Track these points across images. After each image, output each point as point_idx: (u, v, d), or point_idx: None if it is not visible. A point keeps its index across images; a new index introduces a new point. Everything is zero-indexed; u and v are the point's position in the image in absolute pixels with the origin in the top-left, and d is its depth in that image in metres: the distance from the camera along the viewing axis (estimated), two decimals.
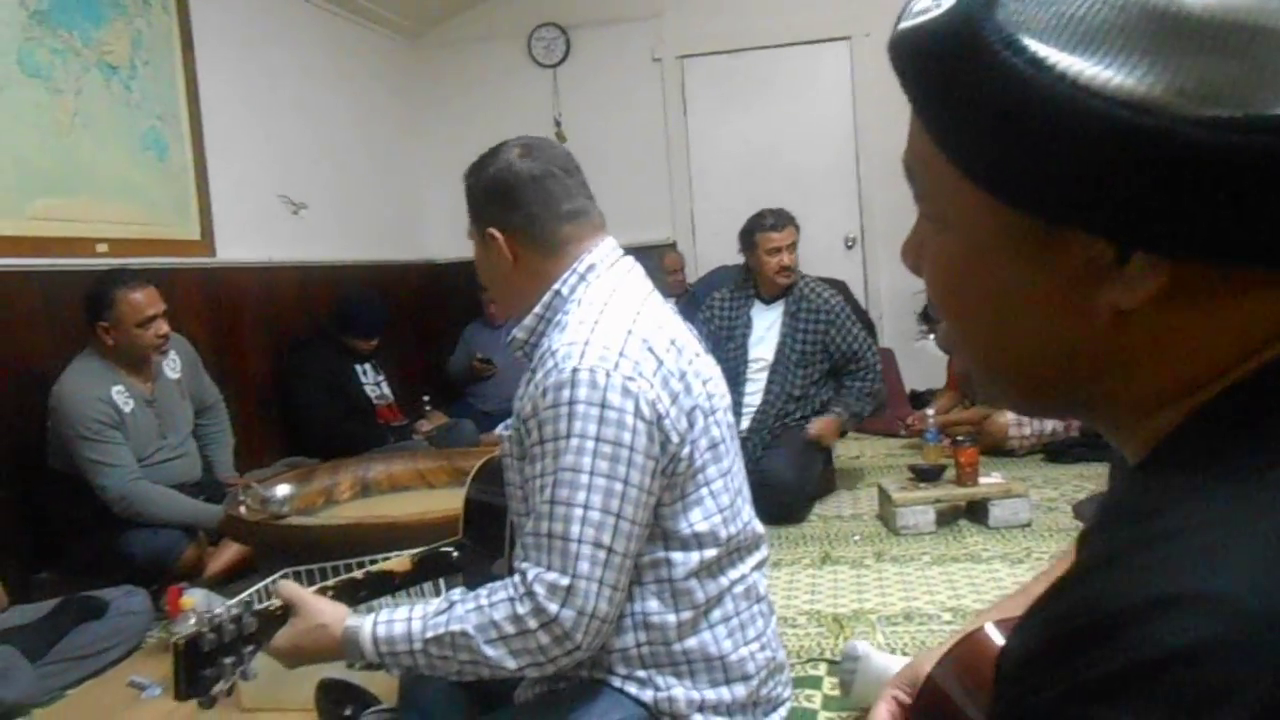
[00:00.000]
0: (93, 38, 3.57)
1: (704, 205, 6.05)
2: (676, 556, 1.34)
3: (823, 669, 2.26)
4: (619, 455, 1.24)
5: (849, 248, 5.90)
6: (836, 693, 2.13)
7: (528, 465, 1.31)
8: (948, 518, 3.37)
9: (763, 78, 5.92)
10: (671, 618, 1.34)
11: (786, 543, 3.25)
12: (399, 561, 1.44)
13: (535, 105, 5.98)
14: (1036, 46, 0.43)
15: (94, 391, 2.95)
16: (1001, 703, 0.43)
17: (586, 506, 1.23)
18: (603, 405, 1.24)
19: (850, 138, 5.86)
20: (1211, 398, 0.47)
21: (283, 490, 2.68)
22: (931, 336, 4.86)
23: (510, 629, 1.23)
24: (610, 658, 1.35)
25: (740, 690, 1.38)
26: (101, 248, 3.53)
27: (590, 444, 1.24)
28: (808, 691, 2.13)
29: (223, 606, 1.31)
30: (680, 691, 1.35)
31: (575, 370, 1.26)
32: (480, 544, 1.50)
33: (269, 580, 1.88)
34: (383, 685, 2.03)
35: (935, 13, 0.47)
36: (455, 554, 1.48)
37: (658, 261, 5.13)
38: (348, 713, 1.99)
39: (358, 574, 1.40)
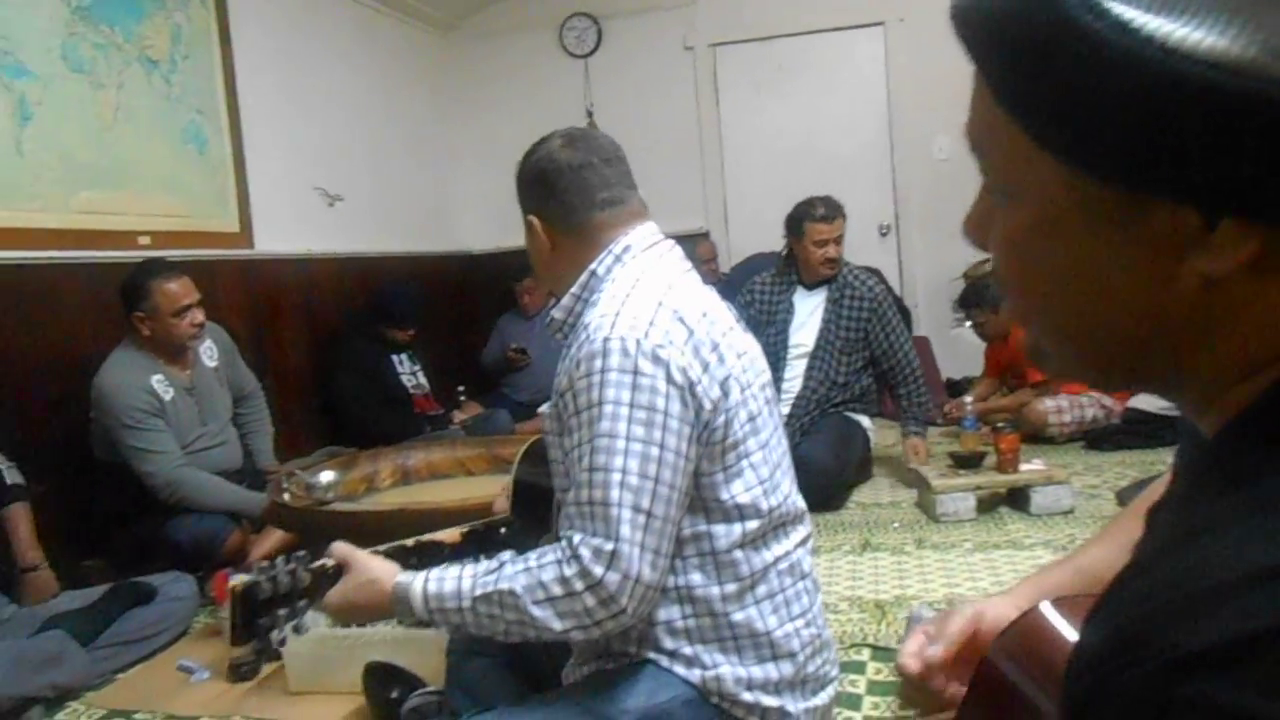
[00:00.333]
0: (134, 32, 3.61)
1: (736, 194, 6.03)
2: (719, 529, 1.35)
3: (866, 654, 2.25)
4: (653, 420, 1.26)
5: (883, 235, 5.86)
6: (881, 677, 2.13)
7: (566, 437, 1.33)
8: (988, 505, 3.34)
9: (796, 65, 5.89)
10: (716, 590, 1.35)
11: (826, 529, 3.23)
12: (449, 534, 1.47)
13: (567, 96, 5.99)
14: (1121, 9, 0.42)
15: (135, 381, 2.99)
16: (1090, 681, 0.42)
17: (624, 471, 1.25)
18: (635, 372, 1.27)
19: (884, 124, 5.82)
20: None
21: (327, 477, 2.71)
22: (968, 324, 4.81)
23: (557, 590, 1.24)
24: (656, 631, 1.36)
25: (787, 668, 1.39)
26: (144, 240, 3.58)
27: (625, 410, 1.26)
28: (852, 676, 2.11)
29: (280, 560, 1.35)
30: (727, 670, 1.36)
31: (606, 340, 1.29)
32: (529, 523, 1.51)
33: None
34: (428, 668, 2.05)
35: None
36: (504, 531, 1.49)
37: (691, 251, 5.08)
38: (394, 695, 2.01)
39: (408, 541, 1.42)
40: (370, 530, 2.39)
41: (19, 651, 2.27)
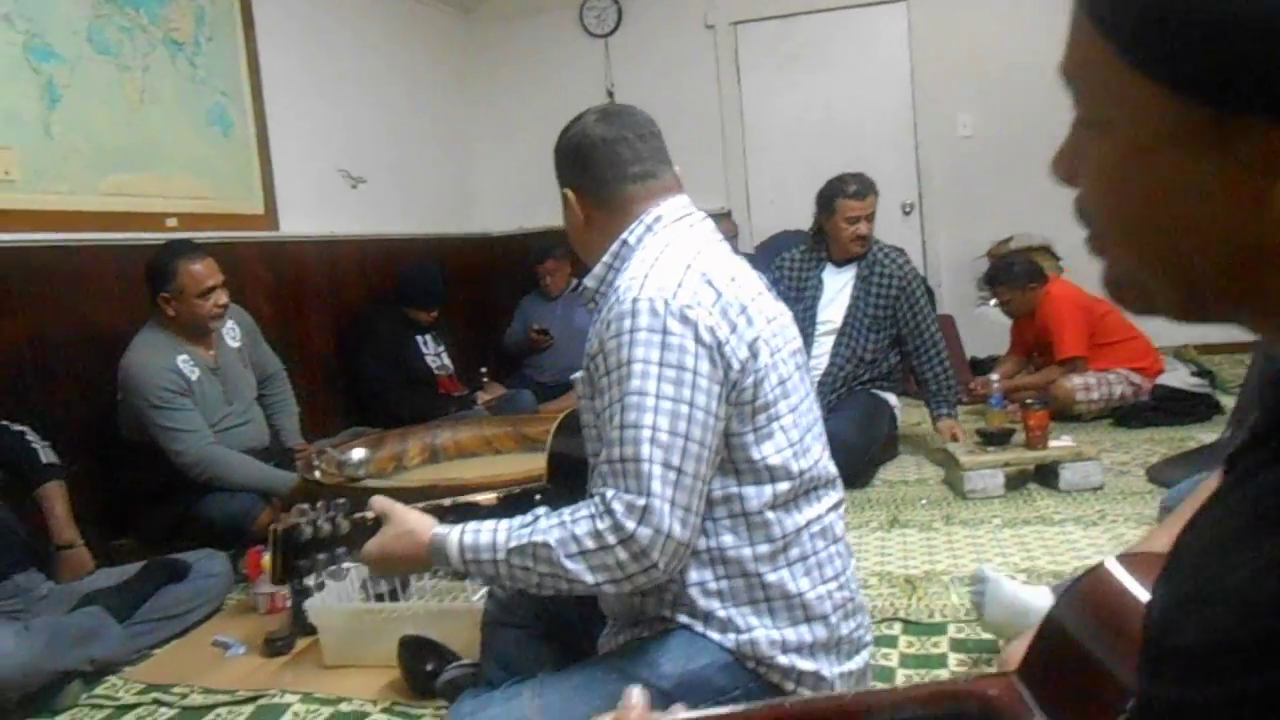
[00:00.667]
0: (159, 15, 3.63)
1: (758, 173, 6.00)
2: (749, 490, 1.36)
3: (897, 628, 2.25)
4: (682, 379, 1.28)
5: (906, 214, 5.82)
6: (913, 650, 2.12)
7: (598, 399, 1.36)
8: (1016, 482, 3.32)
9: (818, 42, 5.84)
10: (748, 551, 1.36)
11: (853, 506, 3.23)
12: (485, 496, 1.48)
13: (588, 76, 5.97)
14: None
15: (161, 361, 3.01)
16: (1209, 683, 0.41)
17: (655, 429, 1.27)
18: (664, 331, 1.29)
19: (908, 102, 5.77)
20: None
21: (358, 454, 2.73)
22: (992, 303, 4.78)
23: (590, 544, 1.27)
24: (690, 593, 1.37)
25: (820, 630, 1.40)
26: (171, 222, 3.61)
27: (654, 369, 1.28)
28: (884, 650, 2.11)
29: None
30: (761, 633, 1.37)
31: (635, 300, 1.31)
32: (565, 494, 1.51)
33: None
34: (462, 642, 2.07)
35: None
36: (539, 498, 1.50)
37: None
38: (429, 667, 2.03)
39: (445, 501, 1.44)
40: None
41: (58, 627, 2.30)
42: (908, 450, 3.97)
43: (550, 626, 1.68)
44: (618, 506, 1.26)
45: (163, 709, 2.19)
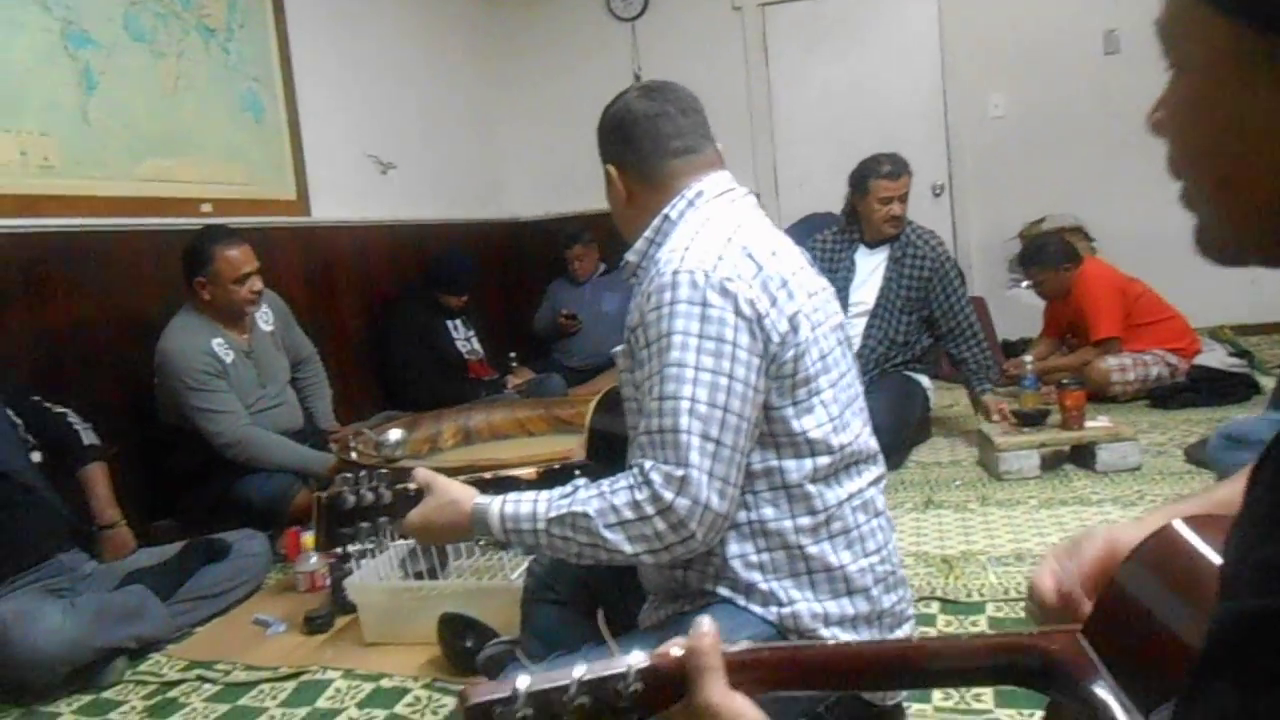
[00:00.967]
0: (192, 1, 3.65)
1: (786, 156, 5.97)
2: (789, 464, 1.36)
3: (935, 607, 2.24)
4: (722, 351, 1.28)
5: (936, 195, 5.77)
6: (951, 629, 2.12)
7: (638, 371, 1.36)
8: (1051, 463, 3.30)
9: (847, 23, 5.79)
10: (789, 523, 1.37)
11: (887, 487, 3.20)
12: (525, 471, 1.49)
13: (615, 59, 5.95)
14: None
15: (197, 344, 3.05)
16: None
17: (694, 400, 1.27)
18: (704, 304, 1.29)
19: (938, 83, 5.71)
20: None
21: (395, 435, 2.75)
22: (1024, 284, 4.73)
23: (629, 514, 1.27)
24: (733, 565, 1.37)
25: (861, 603, 1.40)
26: (206, 208, 3.64)
27: (694, 340, 1.29)
28: (922, 628, 2.11)
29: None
30: (804, 605, 1.37)
31: (675, 273, 1.32)
32: (604, 470, 1.52)
33: None
34: (500, 620, 2.08)
35: None
36: (578, 473, 1.50)
37: None
38: (469, 644, 2.04)
39: (485, 474, 1.45)
40: None
41: (102, 605, 2.34)
42: (940, 432, 3.95)
43: (590, 602, 1.68)
44: (656, 477, 1.26)
45: (206, 685, 2.22)
